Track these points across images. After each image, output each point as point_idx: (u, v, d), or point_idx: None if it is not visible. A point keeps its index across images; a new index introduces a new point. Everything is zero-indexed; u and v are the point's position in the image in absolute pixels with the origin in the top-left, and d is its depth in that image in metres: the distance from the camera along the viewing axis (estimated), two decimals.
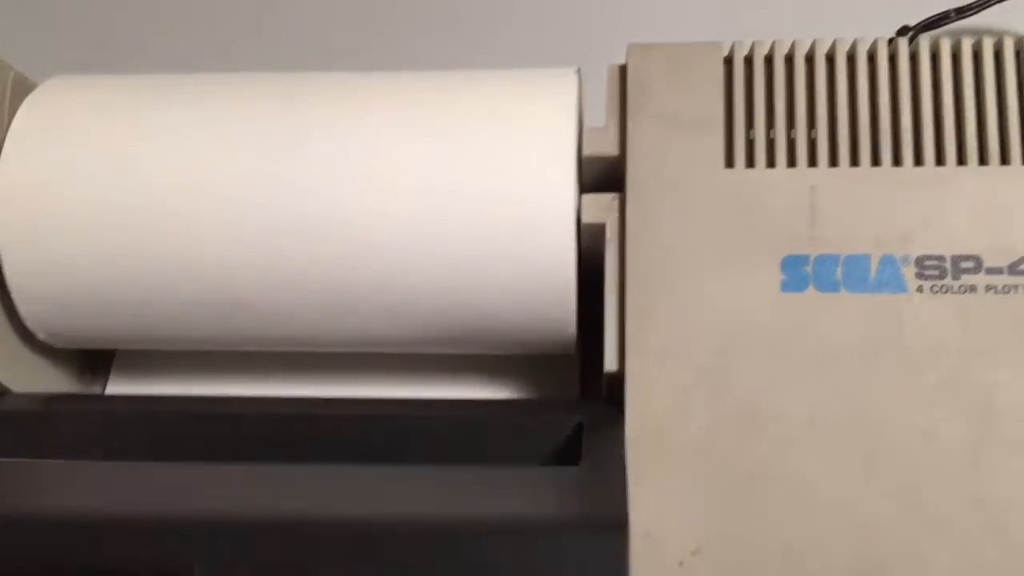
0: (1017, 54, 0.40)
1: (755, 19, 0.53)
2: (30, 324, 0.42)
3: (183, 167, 0.40)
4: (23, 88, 0.43)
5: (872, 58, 0.40)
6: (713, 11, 0.55)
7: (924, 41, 0.41)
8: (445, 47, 0.57)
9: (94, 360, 0.47)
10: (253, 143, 0.40)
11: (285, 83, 0.42)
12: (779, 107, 0.40)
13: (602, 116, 0.41)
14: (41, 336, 0.43)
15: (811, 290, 0.38)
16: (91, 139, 0.41)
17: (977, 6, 0.51)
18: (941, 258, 0.38)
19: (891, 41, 0.40)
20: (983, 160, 0.39)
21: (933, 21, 0.51)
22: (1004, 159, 0.39)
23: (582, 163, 0.41)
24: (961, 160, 0.39)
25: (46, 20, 0.63)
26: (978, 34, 0.50)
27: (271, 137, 0.39)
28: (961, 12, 0.51)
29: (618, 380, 0.38)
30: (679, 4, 0.55)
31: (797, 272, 0.38)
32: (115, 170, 0.40)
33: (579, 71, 0.42)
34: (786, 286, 0.38)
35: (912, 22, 0.51)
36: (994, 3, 0.51)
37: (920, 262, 0.38)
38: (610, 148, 0.41)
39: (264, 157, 0.39)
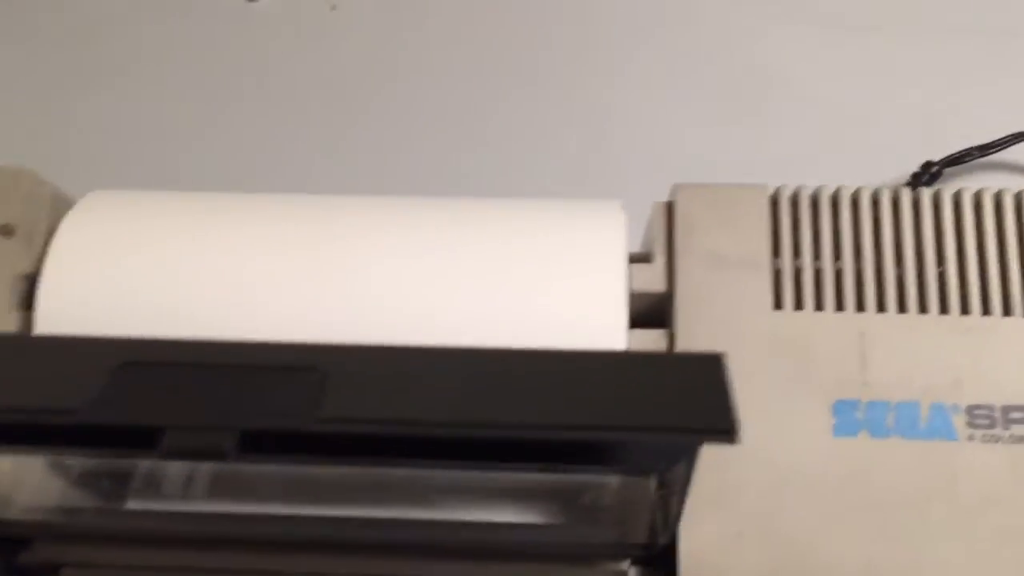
0: None
1: (780, 150, 0.53)
2: None
3: (226, 288, 0.39)
4: (61, 204, 0.43)
5: (916, 205, 0.41)
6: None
7: (987, 193, 0.41)
8: (478, 166, 0.57)
9: None
10: (294, 269, 0.39)
11: (330, 207, 0.42)
12: (825, 250, 0.41)
13: (635, 245, 0.41)
14: None
15: (863, 435, 0.38)
16: (131, 258, 0.40)
17: (1000, 144, 0.52)
18: (991, 407, 0.38)
19: (934, 190, 0.41)
20: None
21: (957, 157, 0.52)
22: None
23: (632, 297, 0.40)
24: (1007, 310, 0.39)
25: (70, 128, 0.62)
26: (1000, 168, 0.51)
27: (313, 264, 0.38)
28: (984, 150, 0.52)
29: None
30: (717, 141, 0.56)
31: (849, 417, 0.38)
32: (155, 290, 0.40)
33: (622, 206, 0.42)
34: (838, 431, 0.38)
35: (935, 158, 0.53)
36: (1014, 143, 0.52)
37: (970, 411, 0.38)
38: (658, 285, 0.41)
39: (305, 284, 0.39)
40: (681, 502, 0.34)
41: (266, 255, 0.39)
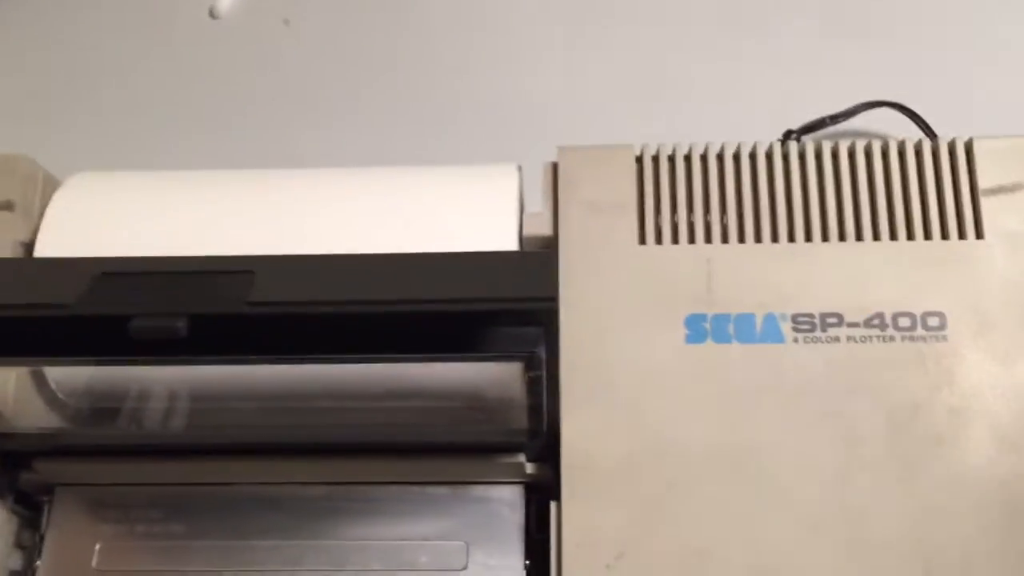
0: (870, 154, 0.49)
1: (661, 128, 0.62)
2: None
3: (186, 237, 0.47)
4: (51, 184, 0.51)
5: (753, 157, 0.50)
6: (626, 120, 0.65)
7: (809, 143, 0.50)
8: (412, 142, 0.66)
9: None
10: (243, 221, 0.47)
11: (277, 177, 0.50)
12: (680, 195, 0.49)
13: (538, 203, 0.50)
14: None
15: (709, 342, 0.47)
16: (109, 222, 0.49)
17: (846, 114, 0.62)
18: (812, 315, 0.47)
19: (782, 142, 0.50)
20: (842, 237, 0.48)
21: (812, 125, 0.61)
22: (859, 236, 0.48)
23: (523, 241, 0.49)
24: (825, 238, 0.48)
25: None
26: (850, 136, 0.60)
27: (269, 221, 0.47)
28: (835, 118, 0.61)
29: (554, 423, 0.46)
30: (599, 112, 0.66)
31: (698, 328, 0.47)
32: (130, 248, 0.48)
33: (519, 167, 0.51)
34: (689, 339, 0.47)
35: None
36: (860, 111, 0.62)
37: (795, 318, 0.47)
38: (546, 229, 0.49)
39: (251, 231, 0.47)
40: (553, 388, 0.42)
41: (219, 213, 0.47)
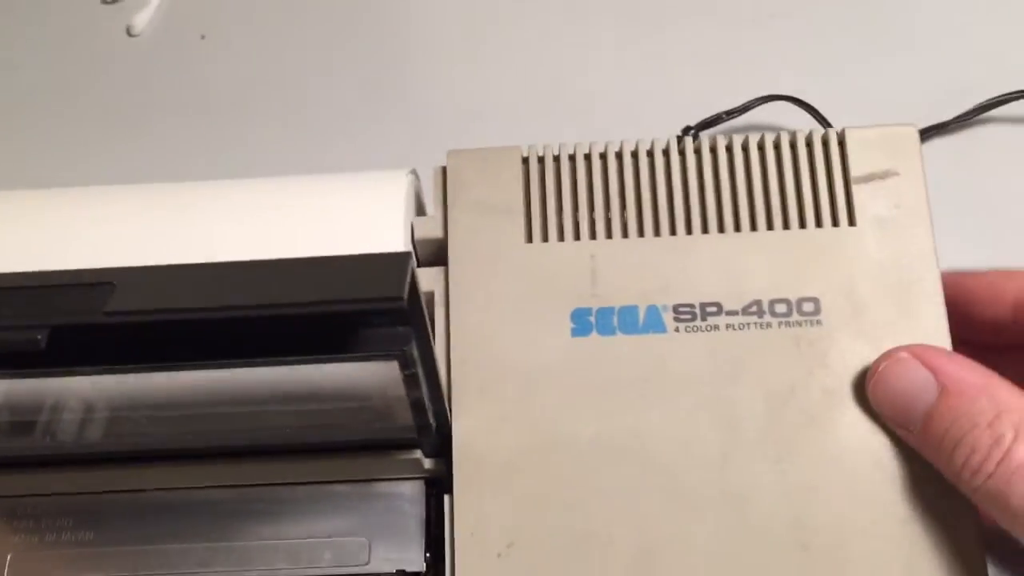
0: (747, 148, 0.51)
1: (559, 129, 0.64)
2: None
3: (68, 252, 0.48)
4: None
5: (635, 155, 0.52)
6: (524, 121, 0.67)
7: (688, 140, 0.52)
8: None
9: None
10: (125, 242, 0.48)
11: (173, 190, 0.52)
12: (566, 194, 0.51)
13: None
14: None
15: (594, 335, 0.49)
16: (16, 250, 0.50)
17: (742, 108, 0.63)
18: (692, 305, 0.49)
19: (679, 139, 0.52)
20: (721, 229, 0.50)
21: (710, 121, 0.63)
22: (737, 228, 0.50)
23: (415, 244, 0.51)
24: (705, 229, 0.50)
25: None
26: (747, 130, 0.62)
27: (143, 235, 0.48)
28: (730, 113, 0.63)
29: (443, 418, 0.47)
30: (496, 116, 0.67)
31: (583, 321, 0.49)
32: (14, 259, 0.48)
33: (414, 172, 0.52)
34: (575, 332, 0.49)
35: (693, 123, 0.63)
36: (756, 105, 0.63)
37: (676, 309, 0.49)
38: (436, 231, 0.51)
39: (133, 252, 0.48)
40: (434, 385, 0.44)
41: (91, 227, 0.48)
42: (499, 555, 0.46)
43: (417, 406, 0.44)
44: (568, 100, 0.68)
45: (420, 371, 0.42)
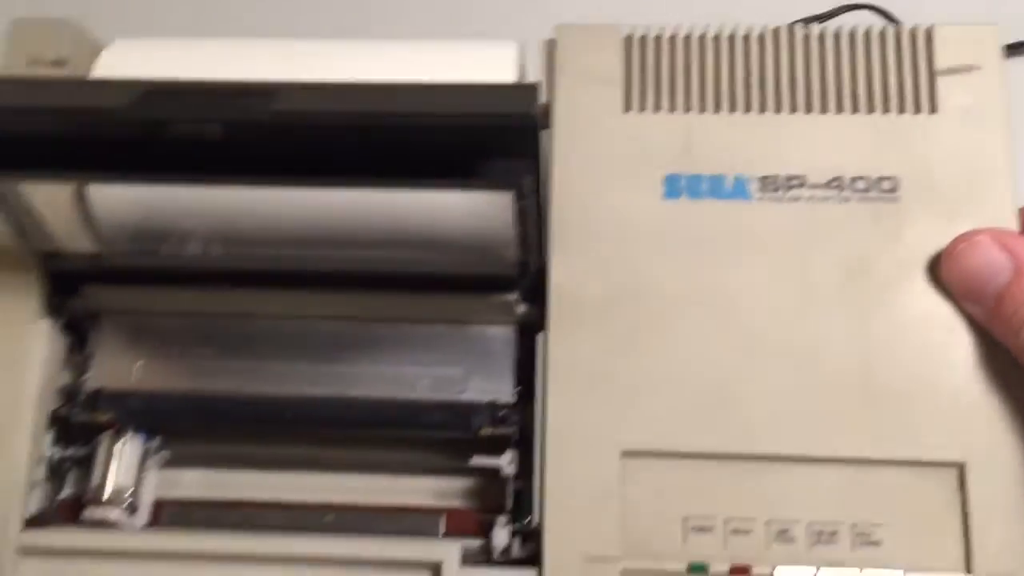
0: (838, 37, 0.55)
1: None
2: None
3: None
4: (96, 46, 0.57)
5: (732, 39, 0.55)
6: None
7: (783, 28, 0.55)
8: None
9: None
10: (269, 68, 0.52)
11: (304, 47, 0.56)
12: (663, 69, 0.55)
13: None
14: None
15: (684, 198, 0.53)
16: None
17: (829, 15, 0.67)
18: (776, 177, 0.53)
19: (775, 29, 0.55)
20: (809, 109, 0.54)
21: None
22: (823, 109, 0.54)
23: None
24: (793, 109, 0.54)
25: None
26: None
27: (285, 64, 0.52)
28: (820, 18, 0.67)
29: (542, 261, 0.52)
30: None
31: (675, 185, 0.53)
32: None
33: (520, 44, 0.56)
34: (666, 196, 0.53)
35: None
36: (840, 13, 0.67)
37: (762, 180, 0.53)
38: (541, 98, 0.55)
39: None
40: (540, 217, 0.47)
41: (248, 69, 0.53)
42: (586, 387, 0.50)
43: (524, 240, 0.48)
44: None
45: (531, 205, 0.46)
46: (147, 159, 0.43)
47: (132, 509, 0.53)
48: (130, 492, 0.53)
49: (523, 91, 0.40)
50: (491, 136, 0.42)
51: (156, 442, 0.54)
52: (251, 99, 0.40)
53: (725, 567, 0.48)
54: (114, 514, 0.52)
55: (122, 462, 0.53)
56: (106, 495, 0.52)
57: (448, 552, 0.49)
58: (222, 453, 0.55)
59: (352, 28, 0.73)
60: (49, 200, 0.50)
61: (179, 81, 0.42)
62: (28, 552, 0.50)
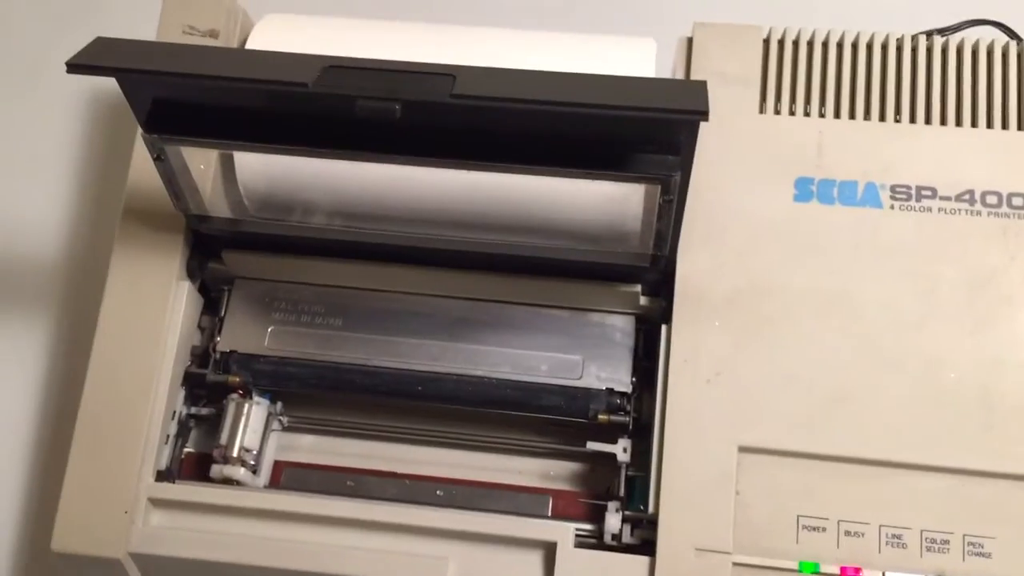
0: (976, 52, 0.55)
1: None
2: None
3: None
4: (247, 20, 0.59)
5: (870, 46, 0.56)
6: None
7: (921, 38, 0.56)
8: None
9: None
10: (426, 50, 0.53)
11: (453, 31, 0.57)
12: (800, 73, 0.55)
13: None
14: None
15: (814, 202, 0.53)
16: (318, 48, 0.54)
17: (954, 28, 0.67)
18: (908, 186, 0.53)
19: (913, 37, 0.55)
20: (944, 122, 0.54)
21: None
22: (958, 122, 0.54)
23: None
24: (928, 120, 0.54)
25: None
26: None
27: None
28: (943, 31, 0.66)
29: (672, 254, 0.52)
30: None
31: (806, 189, 0.53)
32: None
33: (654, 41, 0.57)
34: (797, 198, 0.53)
35: None
36: (966, 27, 0.66)
37: (893, 188, 0.53)
38: None
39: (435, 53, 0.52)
40: (679, 212, 0.48)
41: (404, 46, 0.54)
42: (708, 381, 0.51)
43: (660, 236, 0.49)
44: None
45: (677, 200, 0.47)
46: (322, 133, 0.44)
47: (254, 469, 0.55)
48: (255, 453, 0.54)
49: (697, 88, 0.41)
50: (656, 130, 0.43)
51: (279, 406, 0.56)
52: (433, 80, 0.42)
53: (836, 568, 0.48)
54: (239, 473, 0.54)
55: (249, 424, 0.55)
56: (234, 453, 0.54)
57: (563, 533, 0.51)
58: (340, 421, 0.57)
59: (485, 17, 0.73)
60: (200, 165, 0.52)
61: (363, 59, 0.43)
62: (158, 504, 0.52)
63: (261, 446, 0.55)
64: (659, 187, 0.46)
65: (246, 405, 0.55)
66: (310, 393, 0.56)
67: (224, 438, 0.54)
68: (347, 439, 0.57)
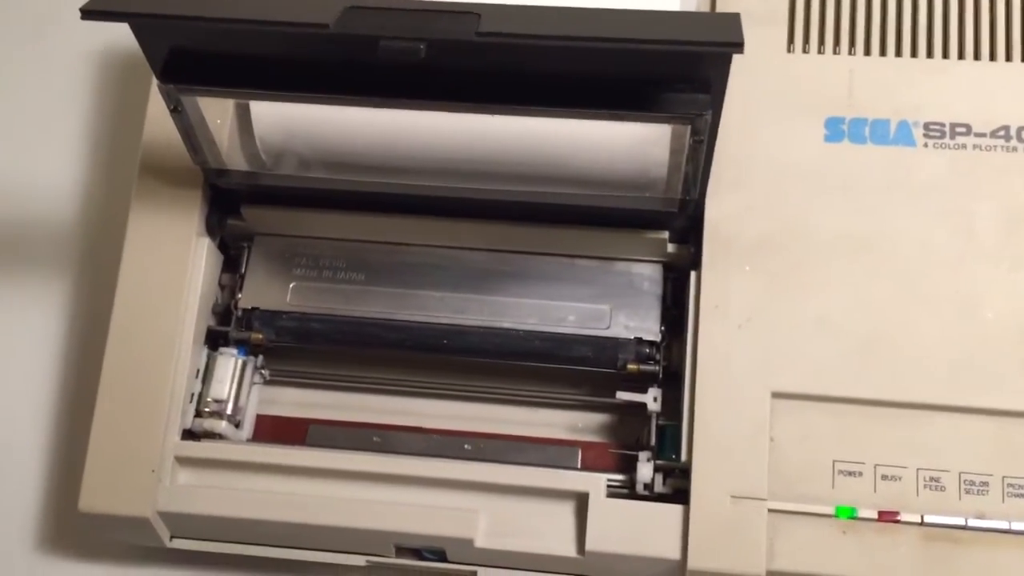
0: None
1: None
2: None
3: None
4: None
5: None
6: None
7: None
8: None
9: None
10: None
11: None
12: (829, 7, 0.54)
13: None
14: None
15: (845, 142, 0.52)
16: None
17: None
18: (942, 124, 0.52)
19: None
20: (977, 56, 0.53)
21: None
22: (992, 56, 0.52)
23: None
24: (961, 55, 0.53)
25: None
26: None
27: None
28: None
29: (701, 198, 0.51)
30: None
31: (836, 129, 0.52)
32: None
33: None
34: (828, 139, 0.52)
35: None
36: None
37: (927, 126, 0.52)
38: None
39: None
40: (709, 154, 0.47)
41: None
42: (739, 327, 0.50)
43: (689, 179, 0.48)
44: None
45: (707, 141, 0.46)
46: (343, 79, 0.43)
47: (237, 423, 0.54)
48: (234, 405, 0.54)
49: (730, 20, 0.40)
50: (687, 66, 0.42)
51: (259, 359, 0.55)
52: (458, 19, 0.40)
53: (873, 513, 0.47)
54: (221, 426, 0.53)
55: (224, 376, 0.54)
56: (209, 408, 0.53)
57: (595, 484, 0.50)
58: (364, 377, 0.56)
59: None
60: (217, 119, 0.50)
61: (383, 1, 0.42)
62: (185, 462, 0.52)
63: (237, 398, 0.54)
64: (689, 127, 0.45)
65: (219, 358, 0.54)
66: (333, 349, 0.55)
67: (201, 391, 0.53)
68: (371, 395, 0.56)
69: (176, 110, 0.48)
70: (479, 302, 0.55)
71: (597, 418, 0.55)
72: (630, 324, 0.53)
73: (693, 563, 0.47)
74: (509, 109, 0.44)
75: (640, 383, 0.52)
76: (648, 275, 0.54)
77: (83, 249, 0.64)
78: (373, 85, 0.43)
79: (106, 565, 0.56)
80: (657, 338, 0.53)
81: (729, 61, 0.41)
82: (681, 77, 0.43)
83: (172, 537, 0.52)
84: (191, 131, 0.49)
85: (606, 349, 0.53)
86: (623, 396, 0.52)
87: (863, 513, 0.48)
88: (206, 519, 0.51)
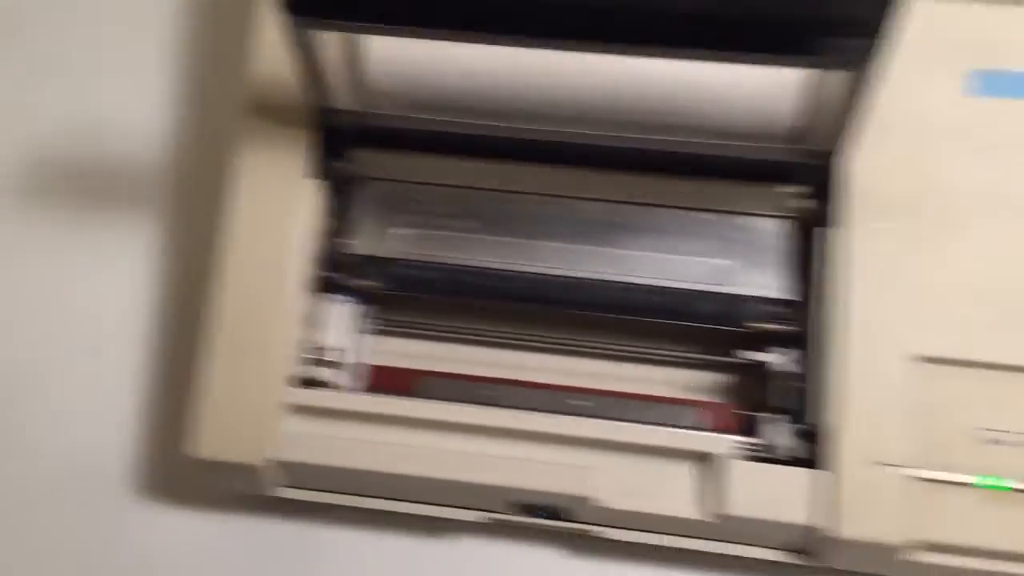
0: None
1: None
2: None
3: None
4: None
5: None
6: None
7: None
8: None
9: None
10: None
11: None
12: None
13: None
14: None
15: (988, 96, 0.50)
16: None
17: None
18: None
19: None
20: None
21: None
22: None
23: None
24: None
25: None
26: None
27: None
28: None
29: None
30: None
31: (977, 82, 0.50)
32: None
33: None
34: (969, 92, 0.50)
35: None
36: None
37: None
38: None
39: None
40: (864, 105, 0.45)
41: None
42: (879, 287, 0.48)
43: (834, 132, 0.46)
44: None
45: (864, 91, 0.43)
46: (467, 15, 0.41)
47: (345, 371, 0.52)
48: (342, 353, 0.52)
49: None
50: (855, 6, 0.39)
51: (369, 308, 0.54)
52: None
53: (1020, 484, 0.46)
54: (326, 374, 0.51)
55: (337, 323, 0.52)
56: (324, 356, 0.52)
57: (718, 444, 0.48)
58: (474, 328, 0.54)
59: None
60: (334, 53, 0.48)
61: None
62: (297, 411, 0.50)
63: (348, 347, 0.52)
64: (852, 75, 0.42)
65: (330, 305, 0.52)
66: (448, 300, 0.53)
67: (311, 339, 0.52)
68: (481, 348, 0.54)
69: (300, 45, 0.45)
70: (597, 254, 0.53)
71: (714, 377, 0.53)
72: (757, 281, 0.51)
73: (833, 529, 0.45)
74: (652, 51, 0.42)
75: (766, 342, 0.50)
76: (776, 230, 0.52)
77: (174, 190, 0.62)
78: (502, 22, 0.41)
79: (207, 513, 0.54)
80: (785, 296, 0.51)
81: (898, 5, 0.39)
82: (846, 21, 0.40)
83: (279, 486, 0.51)
84: (313, 68, 0.46)
85: (731, 306, 0.51)
86: (753, 356, 0.50)
87: (1008, 483, 0.46)
88: (318, 468, 0.49)
